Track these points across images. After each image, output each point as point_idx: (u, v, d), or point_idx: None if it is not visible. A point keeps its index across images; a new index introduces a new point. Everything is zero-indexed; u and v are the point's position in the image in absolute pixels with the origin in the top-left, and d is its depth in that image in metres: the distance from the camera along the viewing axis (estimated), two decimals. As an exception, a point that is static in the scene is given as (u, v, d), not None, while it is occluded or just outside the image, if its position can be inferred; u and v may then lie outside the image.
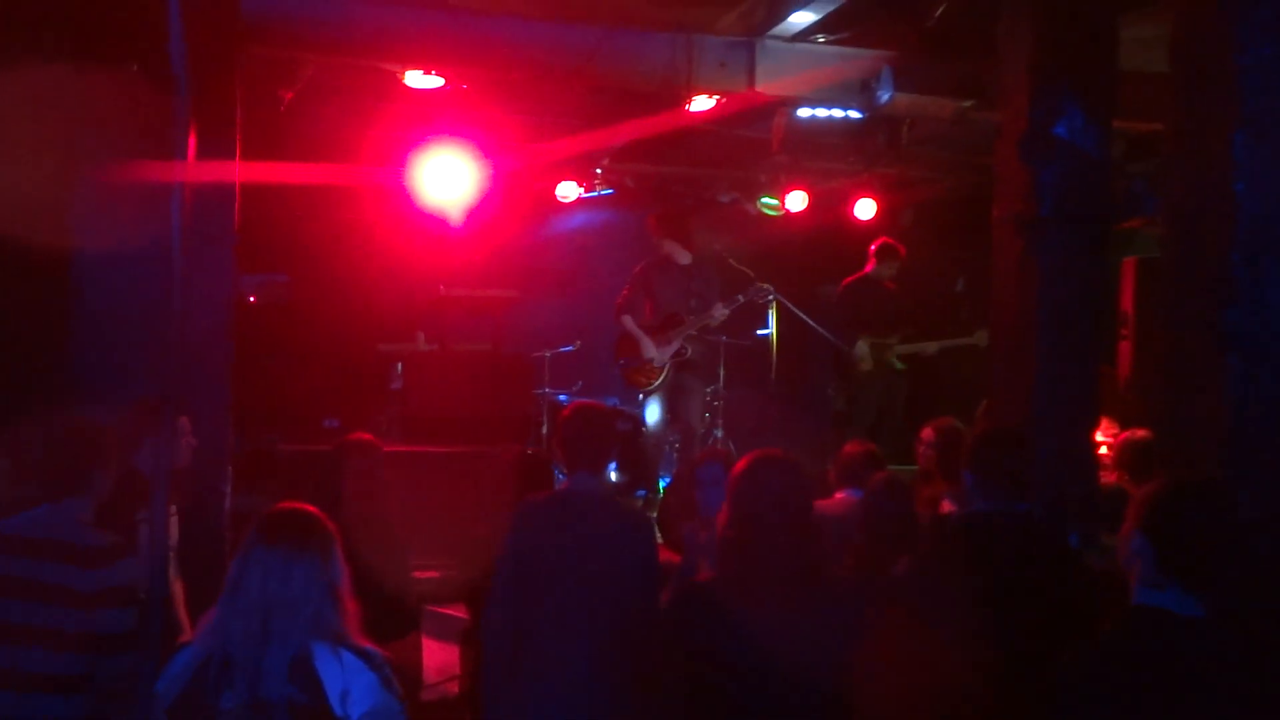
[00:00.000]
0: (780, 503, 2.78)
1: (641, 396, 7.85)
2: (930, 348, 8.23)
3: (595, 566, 3.51)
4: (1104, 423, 5.55)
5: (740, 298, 7.57)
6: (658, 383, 7.49)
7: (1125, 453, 4.65)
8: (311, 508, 2.67)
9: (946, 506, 4.40)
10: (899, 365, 8.22)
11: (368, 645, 2.55)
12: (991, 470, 3.27)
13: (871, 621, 2.81)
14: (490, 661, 3.61)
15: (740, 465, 2.89)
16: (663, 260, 7.60)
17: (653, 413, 7.61)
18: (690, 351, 7.55)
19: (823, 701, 2.70)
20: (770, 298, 7.68)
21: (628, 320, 7.59)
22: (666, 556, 5.78)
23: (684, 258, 7.57)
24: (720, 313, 7.51)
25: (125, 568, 3.09)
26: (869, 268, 8.24)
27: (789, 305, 7.67)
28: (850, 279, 8.33)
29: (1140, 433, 4.62)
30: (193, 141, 1.44)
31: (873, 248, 8.23)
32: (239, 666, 2.42)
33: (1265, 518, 3.19)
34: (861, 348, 8.11)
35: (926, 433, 4.83)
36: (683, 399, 7.55)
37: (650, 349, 7.46)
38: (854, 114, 6.83)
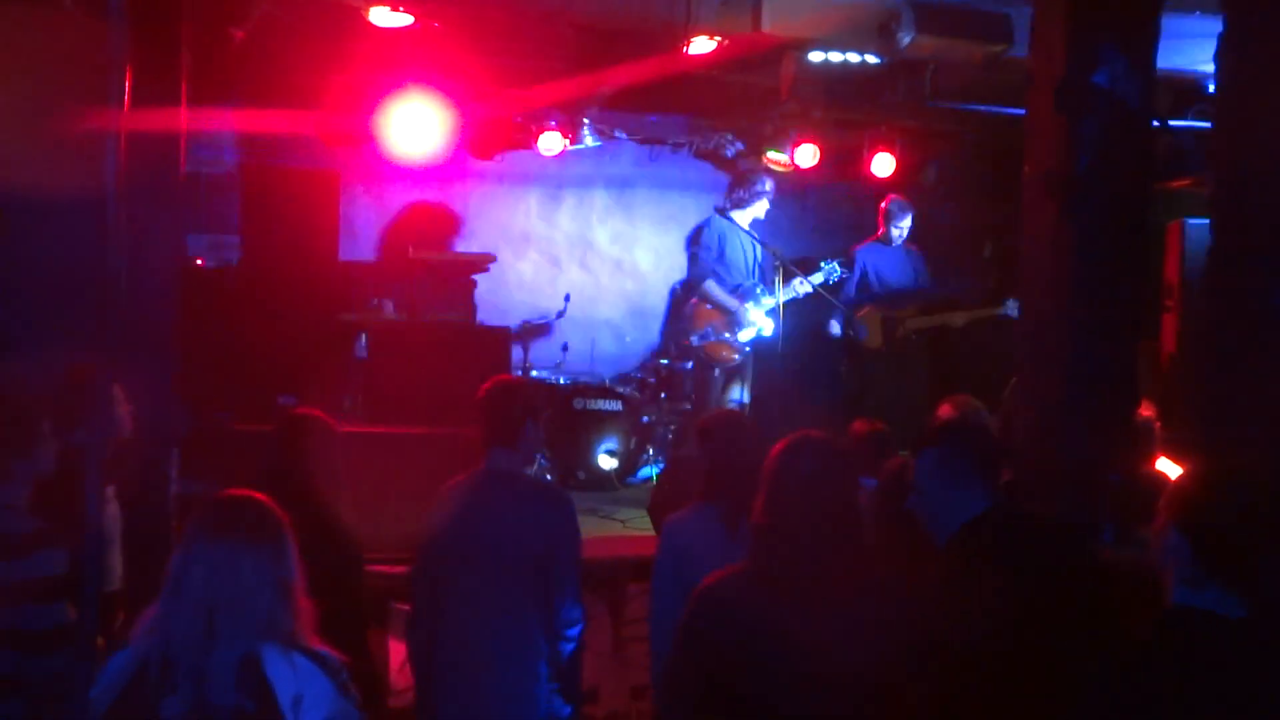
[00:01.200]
0: (820, 489, 2.81)
1: (717, 372, 7.95)
2: (956, 320, 8.24)
3: (514, 547, 3.69)
4: (1144, 404, 5.57)
5: (822, 274, 7.59)
6: (737, 361, 7.61)
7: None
8: (263, 495, 2.66)
9: None
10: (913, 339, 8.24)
11: (322, 648, 2.57)
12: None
13: (908, 628, 2.84)
14: (415, 655, 3.85)
15: (778, 447, 2.92)
16: (727, 217, 7.72)
17: (724, 390, 7.68)
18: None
19: (854, 706, 2.73)
20: (842, 275, 7.75)
21: (712, 287, 7.66)
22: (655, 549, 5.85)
23: (744, 218, 7.67)
24: (803, 286, 7.59)
25: (49, 558, 3.10)
26: (880, 230, 8.27)
27: (800, 275, 7.66)
28: (859, 244, 8.34)
29: (1145, 411, 4.70)
30: (129, 83, 1.43)
31: (882, 205, 8.27)
32: (181, 670, 2.42)
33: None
34: (866, 325, 8.16)
35: (944, 410, 4.87)
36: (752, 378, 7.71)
37: (751, 323, 7.52)
38: (871, 59, 6.82)
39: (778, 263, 7.44)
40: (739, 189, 8.08)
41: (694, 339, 7.78)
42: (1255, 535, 2.43)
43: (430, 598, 3.78)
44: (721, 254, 7.83)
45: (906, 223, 8.39)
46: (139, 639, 2.54)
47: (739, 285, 7.81)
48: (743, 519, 3.16)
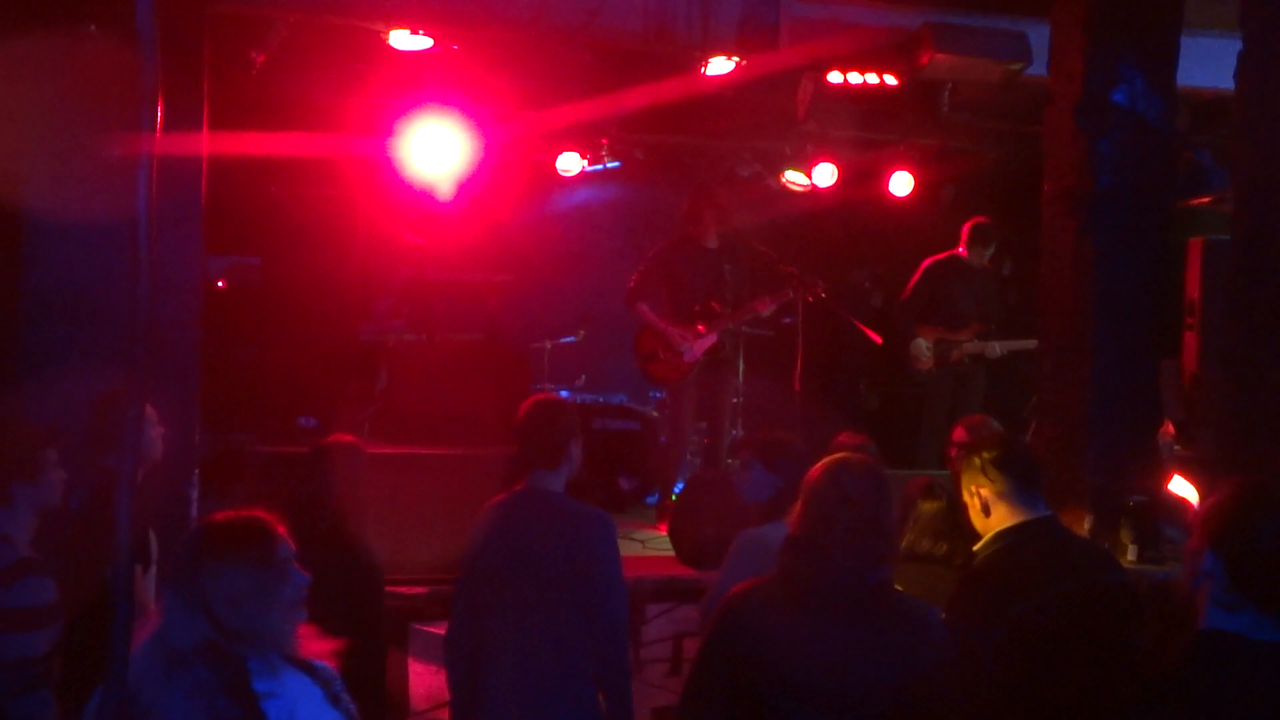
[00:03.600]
0: (857, 510, 2.84)
1: (664, 394, 7.80)
2: (995, 350, 8.09)
3: (551, 569, 3.65)
4: (1166, 423, 5.55)
5: (790, 293, 7.34)
6: (687, 379, 7.39)
7: None
8: (257, 512, 2.68)
9: None
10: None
11: (315, 659, 2.58)
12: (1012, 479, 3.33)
13: (938, 649, 2.85)
14: (452, 673, 3.81)
15: (820, 467, 2.96)
16: (686, 241, 7.49)
17: (679, 413, 7.54)
18: (727, 347, 7.49)
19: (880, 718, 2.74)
20: (822, 296, 7.47)
21: (645, 309, 7.46)
22: (675, 570, 5.84)
23: (712, 240, 7.47)
24: (768, 310, 7.42)
25: (28, 587, 3.13)
26: (961, 249, 8.13)
27: (810, 296, 7.54)
28: (935, 258, 8.14)
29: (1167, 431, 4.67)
30: (162, 109, 1.46)
31: (966, 227, 8.10)
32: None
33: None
34: (919, 344, 8.03)
35: (958, 433, 4.87)
36: (714, 397, 7.50)
37: (683, 342, 7.36)
38: (889, 79, 6.83)
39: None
40: (683, 215, 7.79)
41: (637, 362, 7.64)
42: None
43: (471, 617, 3.76)
44: (666, 275, 7.53)
45: (991, 248, 8.11)
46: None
47: (683, 307, 7.46)
48: None
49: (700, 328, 7.35)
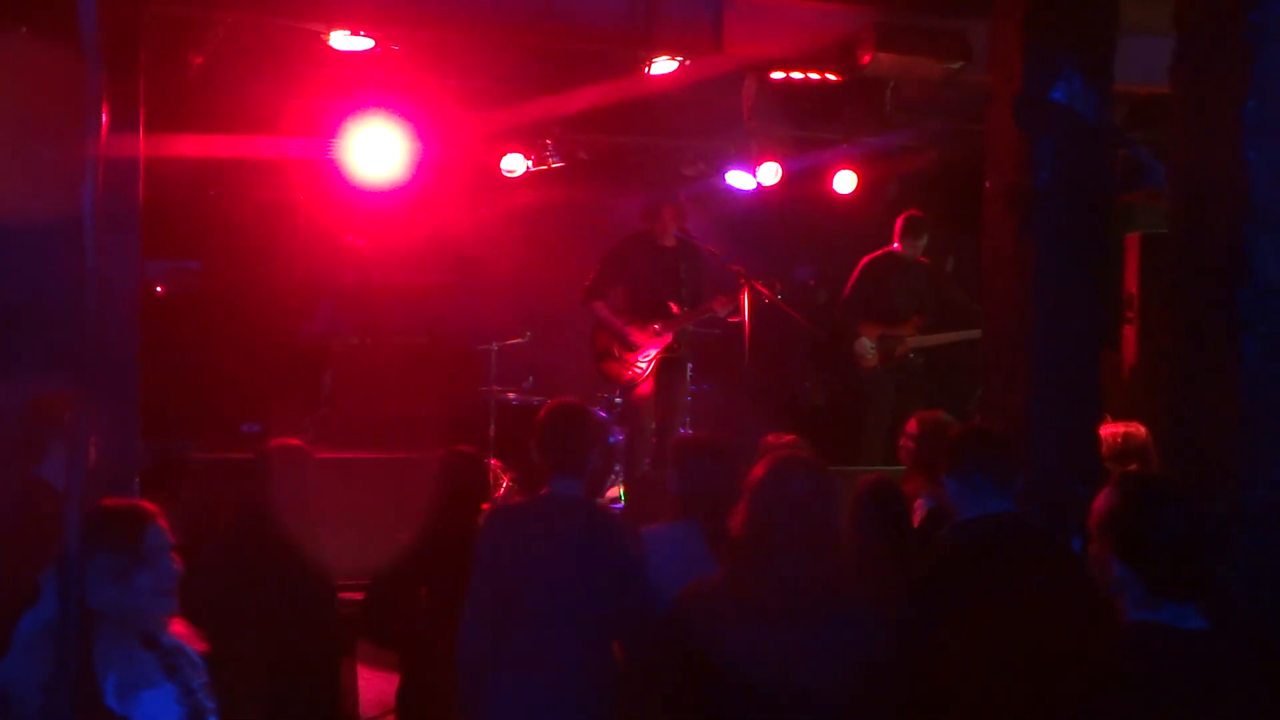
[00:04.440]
0: (801, 510, 2.84)
1: (619, 395, 7.80)
2: (942, 340, 8.15)
3: (582, 576, 3.62)
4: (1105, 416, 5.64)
5: (744, 294, 7.31)
6: (642, 378, 7.38)
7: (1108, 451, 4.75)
8: (141, 503, 2.88)
9: (920, 507, 4.49)
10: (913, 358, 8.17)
11: (166, 637, 2.77)
12: (976, 473, 3.35)
13: (886, 644, 2.87)
14: (465, 670, 3.73)
15: (763, 466, 2.96)
16: (642, 239, 7.48)
17: (634, 412, 7.53)
18: (682, 346, 7.49)
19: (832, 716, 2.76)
20: (779, 297, 7.47)
21: (601, 308, 7.43)
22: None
23: (668, 238, 7.47)
24: (725, 310, 7.42)
25: None
26: (896, 244, 8.18)
27: (767, 293, 7.55)
28: (872, 255, 8.20)
29: (1120, 426, 4.74)
30: (105, 114, 1.44)
31: (899, 222, 8.18)
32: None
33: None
34: (864, 343, 8.09)
35: (910, 425, 4.92)
36: (667, 395, 7.50)
37: (639, 341, 7.34)
38: (832, 77, 6.88)
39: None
40: (641, 212, 7.76)
41: (592, 361, 7.61)
42: (1200, 547, 2.45)
43: (488, 622, 3.67)
44: (622, 273, 7.49)
45: (924, 239, 8.19)
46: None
47: (639, 306, 7.47)
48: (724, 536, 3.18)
49: (656, 326, 7.36)
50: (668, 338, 7.37)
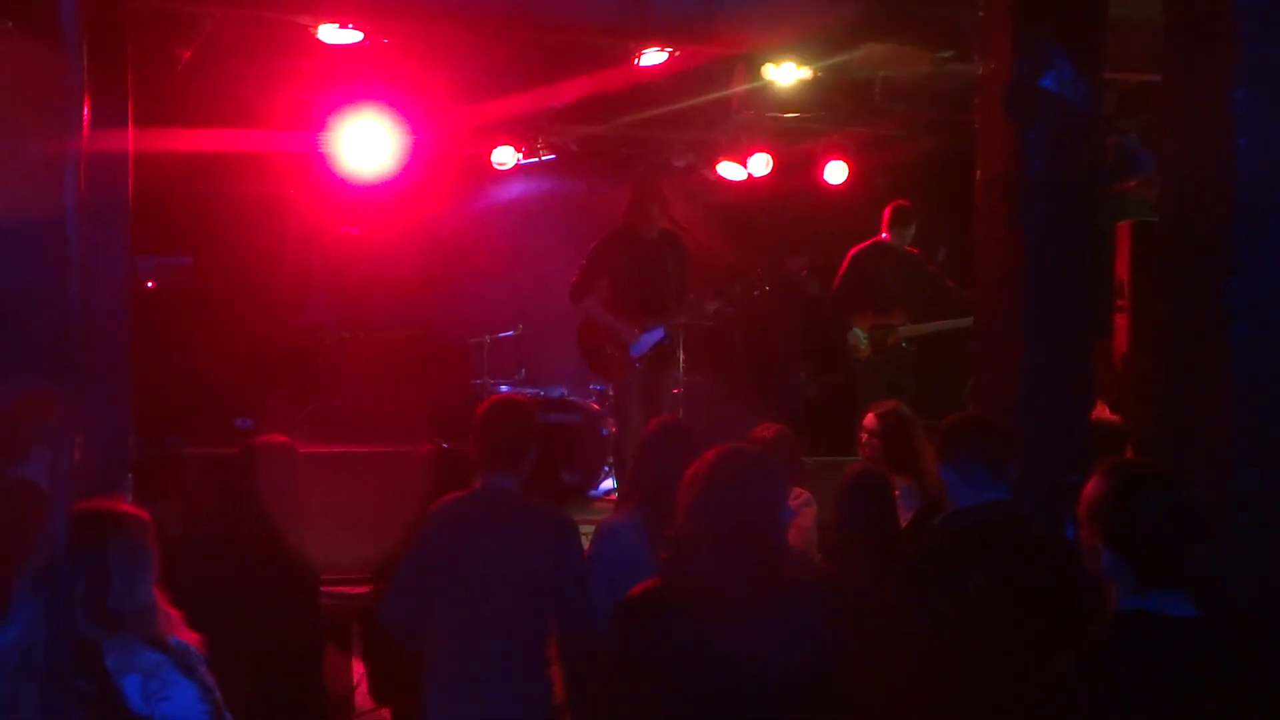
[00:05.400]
0: (745, 504, 2.75)
1: (608, 388, 7.78)
2: (933, 329, 8.15)
3: (515, 571, 3.60)
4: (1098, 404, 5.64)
5: (737, 289, 7.34)
6: (633, 374, 7.35)
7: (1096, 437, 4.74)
8: (111, 505, 2.90)
9: (898, 498, 4.49)
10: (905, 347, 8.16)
11: (173, 637, 2.77)
12: (972, 461, 3.35)
13: (843, 631, 2.84)
14: (377, 639, 3.82)
15: (702, 461, 2.85)
16: (625, 234, 7.42)
17: (625, 404, 7.50)
18: (673, 339, 7.47)
19: (786, 711, 2.72)
20: (765, 289, 7.45)
21: (591, 305, 7.38)
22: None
23: (653, 232, 7.42)
24: (717, 307, 7.40)
25: None
26: (884, 233, 8.18)
27: (765, 290, 7.54)
28: (860, 246, 8.18)
29: (1109, 415, 4.73)
30: (87, 108, 1.42)
31: (886, 211, 8.17)
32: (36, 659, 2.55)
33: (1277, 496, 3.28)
34: (856, 334, 8.09)
35: (869, 419, 4.92)
36: (655, 388, 7.48)
37: (630, 337, 7.31)
38: (822, 67, 6.87)
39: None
40: (627, 205, 7.70)
41: (583, 357, 7.58)
42: (1188, 535, 2.45)
43: (418, 611, 3.69)
44: (610, 269, 7.39)
45: (911, 229, 8.18)
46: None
47: (627, 301, 7.40)
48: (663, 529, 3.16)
49: (646, 321, 7.33)
50: (659, 334, 7.35)
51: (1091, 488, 2.53)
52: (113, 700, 2.61)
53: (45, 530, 2.07)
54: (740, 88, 7.43)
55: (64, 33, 1.49)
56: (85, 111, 1.53)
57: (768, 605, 2.74)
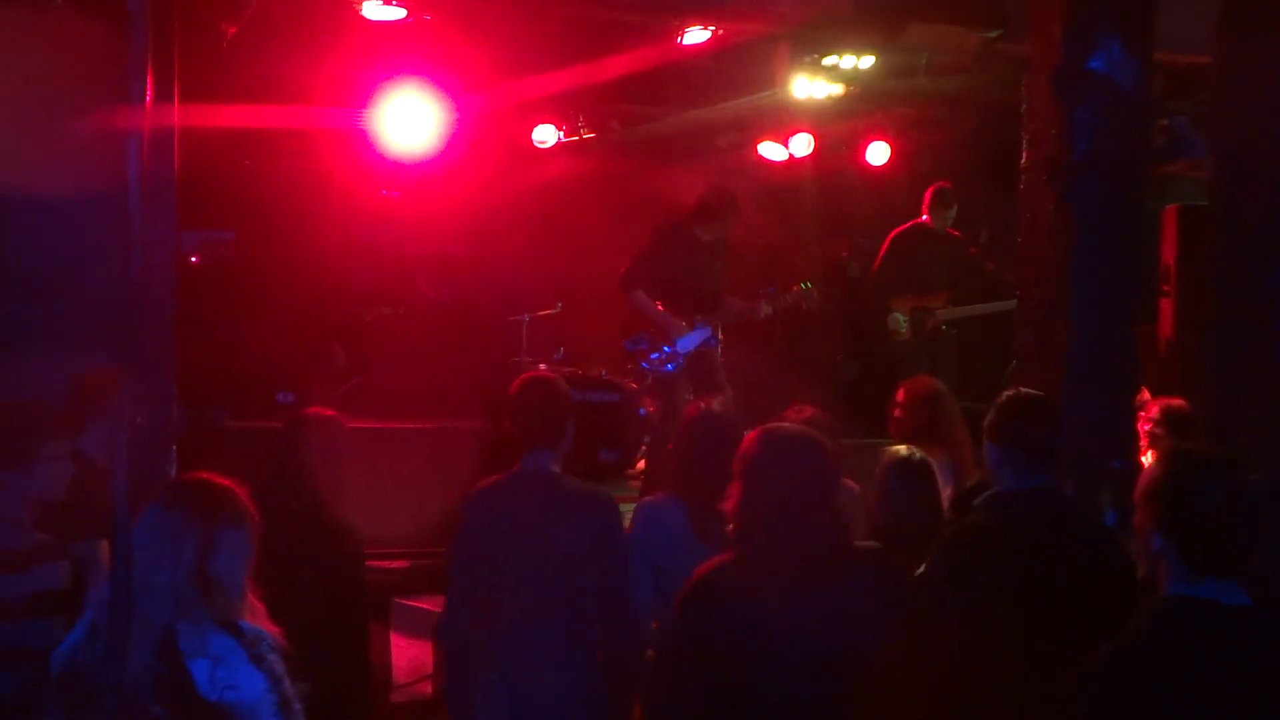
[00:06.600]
0: (800, 487, 2.80)
1: (650, 370, 7.80)
2: (974, 312, 8.11)
3: (557, 551, 3.61)
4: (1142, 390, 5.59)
5: (782, 295, 7.32)
6: (668, 370, 7.35)
7: (1167, 422, 4.69)
8: (219, 479, 2.83)
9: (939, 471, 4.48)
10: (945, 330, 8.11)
11: (246, 622, 2.73)
12: (1021, 443, 3.31)
13: (901, 604, 2.86)
14: (453, 657, 3.78)
15: (752, 442, 2.90)
16: (682, 232, 7.30)
17: (668, 386, 7.48)
18: (718, 341, 7.45)
19: (846, 689, 2.76)
20: (808, 285, 7.43)
21: (643, 296, 7.24)
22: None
23: (710, 234, 7.32)
24: (765, 310, 7.38)
25: (48, 572, 3.20)
26: (925, 216, 8.12)
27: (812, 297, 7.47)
28: (901, 228, 8.15)
29: (1177, 401, 4.66)
30: (131, 81, 1.44)
31: (928, 193, 8.12)
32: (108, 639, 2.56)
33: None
34: (896, 317, 8.05)
35: (899, 393, 4.90)
36: (704, 384, 7.47)
37: (679, 331, 7.24)
38: (866, 47, 6.83)
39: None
40: (698, 207, 7.70)
41: (628, 345, 7.58)
42: (1243, 523, 2.43)
43: (469, 601, 3.70)
44: (662, 263, 7.40)
45: (953, 211, 8.13)
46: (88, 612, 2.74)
47: (678, 297, 7.33)
48: (710, 514, 3.15)
49: (695, 319, 7.33)
50: (705, 333, 7.35)
51: (1149, 471, 2.52)
52: (182, 683, 2.61)
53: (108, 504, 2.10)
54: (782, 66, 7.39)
55: (129, 8, 1.50)
56: (149, 86, 1.55)
57: (834, 578, 2.80)
